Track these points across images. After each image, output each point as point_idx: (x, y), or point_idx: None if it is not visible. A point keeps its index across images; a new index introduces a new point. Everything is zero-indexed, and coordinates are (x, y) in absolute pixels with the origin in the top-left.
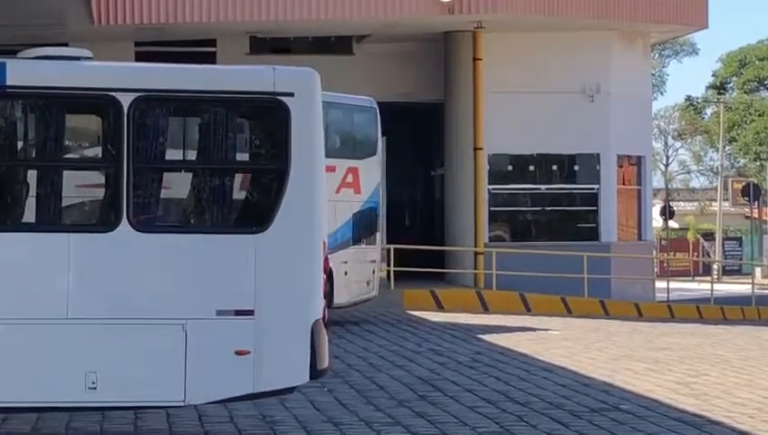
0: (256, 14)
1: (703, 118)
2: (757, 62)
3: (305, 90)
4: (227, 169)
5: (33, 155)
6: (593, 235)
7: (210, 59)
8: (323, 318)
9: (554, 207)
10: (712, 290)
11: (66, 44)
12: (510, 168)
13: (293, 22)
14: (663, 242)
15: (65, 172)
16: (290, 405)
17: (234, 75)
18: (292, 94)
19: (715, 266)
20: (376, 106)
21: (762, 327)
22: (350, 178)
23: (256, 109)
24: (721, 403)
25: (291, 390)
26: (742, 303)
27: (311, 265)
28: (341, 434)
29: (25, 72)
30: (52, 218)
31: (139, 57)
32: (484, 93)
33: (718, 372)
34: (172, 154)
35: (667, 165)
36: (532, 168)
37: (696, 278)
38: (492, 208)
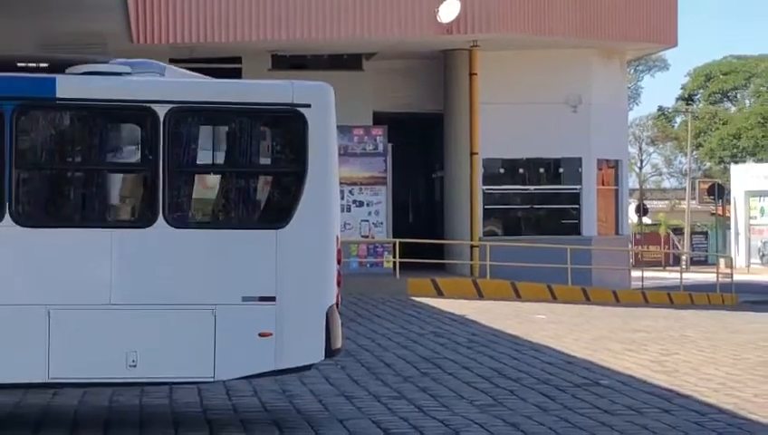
0: (277, 34)
1: (673, 126)
2: (721, 77)
3: (320, 101)
4: (252, 172)
5: (80, 160)
6: (575, 229)
7: (236, 74)
8: (337, 304)
9: (541, 205)
10: (681, 278)
11: (107, 62)
12: (502, 170)
13: (310, 41)
14: (637, 236)
15: (108, 175)
16: (307, 381)
17: (257, 88)
18: (308, 105)
19: (684, 258)
20: None
21: (725, 312)
22: None
23: (277, 118)
24: (689, 379)
25: (308, 367)
26: (707, 290)
27: (326, 257)
28: (353, 407)
29: (73, 86)
30: (97, 216)
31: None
32: (479, 104)
33: (687, 351)
34: (203, 158)
35: (641, 168)
36: (521, 170)
37: (667, 268)
38: (486, 206)
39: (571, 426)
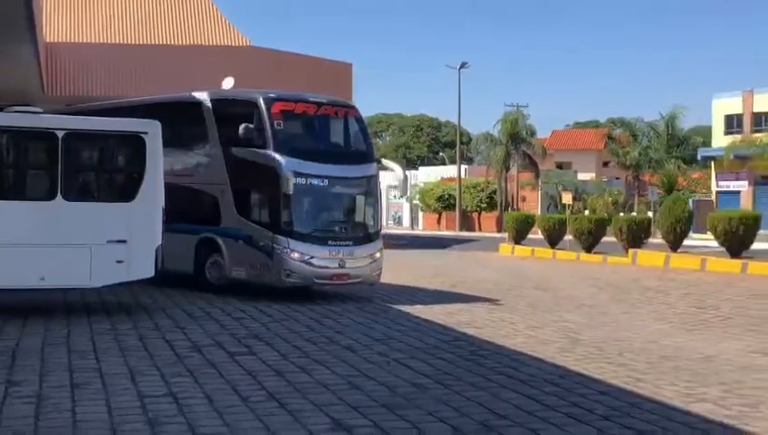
0: (132, 91)
1: None
2: (375, 124)
3: (153, 131)
4: (114, 169)
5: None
6: None
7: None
8: (162, 244)
9: None
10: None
11: (29, 105)
12: None
13: (156, 96)
14: None
15: (32, 171)
16: (144, 290)
17: (118, 122)
18: (146, 133)
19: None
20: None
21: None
22: None
23: (128, 139)
24: (426, 285)
25: (145, 279)
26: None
27: (156, 219)
28: (172, 302)
29: (4, 118)
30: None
31: (69, 112)
32: None
33: (412, 272)
34: (85, 161)
35: None
36: None
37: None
38: None
39: (355, 318)
